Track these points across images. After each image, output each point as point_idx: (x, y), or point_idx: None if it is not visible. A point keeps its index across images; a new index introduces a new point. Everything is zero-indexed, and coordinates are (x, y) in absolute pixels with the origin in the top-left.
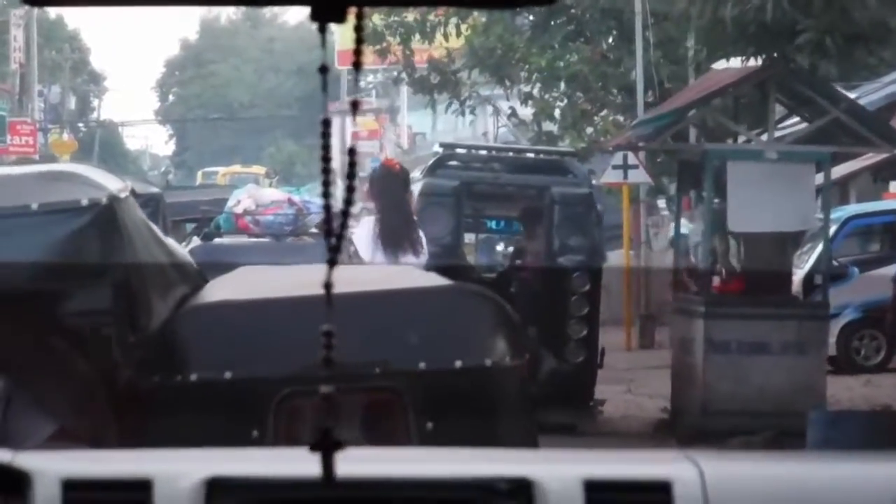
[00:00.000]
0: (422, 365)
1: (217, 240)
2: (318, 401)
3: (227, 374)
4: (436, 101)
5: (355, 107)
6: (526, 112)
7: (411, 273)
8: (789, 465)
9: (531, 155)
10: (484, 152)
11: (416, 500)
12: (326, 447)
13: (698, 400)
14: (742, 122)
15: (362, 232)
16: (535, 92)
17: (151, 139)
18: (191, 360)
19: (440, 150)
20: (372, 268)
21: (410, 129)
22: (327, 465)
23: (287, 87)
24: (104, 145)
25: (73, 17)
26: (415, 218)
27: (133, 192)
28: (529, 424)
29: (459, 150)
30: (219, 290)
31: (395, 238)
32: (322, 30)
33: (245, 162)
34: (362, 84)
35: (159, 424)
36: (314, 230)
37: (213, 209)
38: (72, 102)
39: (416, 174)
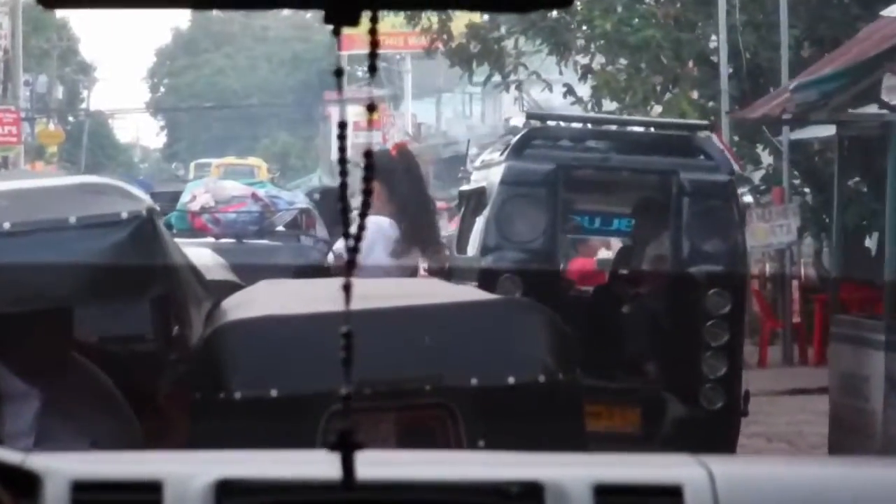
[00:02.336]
0: (474, 381)
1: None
2: (367, 415)
3: (273, 392)
4: (473, 75)
5: (372, 109)
6: (582, 90)
7: (459, 286)
8: (800, 469)
9: (648, 129)
10: (585, 125)
11: (425, 503)
12: (346, 448)
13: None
14: None
15: (370, 235)
16: (595, 64)
17: (142, 131)
18: (234, 376)
19: (521, 124)
20: (419, 281)
21: (415, 118)
22: (347, 466)
23: (281, 77)
24: (93, 137)
25: None
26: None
27: None
28: (583, 441)
29: (552, 123)
30: (252, 304)
31: (420, 240)
32: (336, 32)
33: (239, 154)
34: (361, 73)
35: (201, 443)
36: (282, 229)
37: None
38: (60, 92)
39: (492, 156)
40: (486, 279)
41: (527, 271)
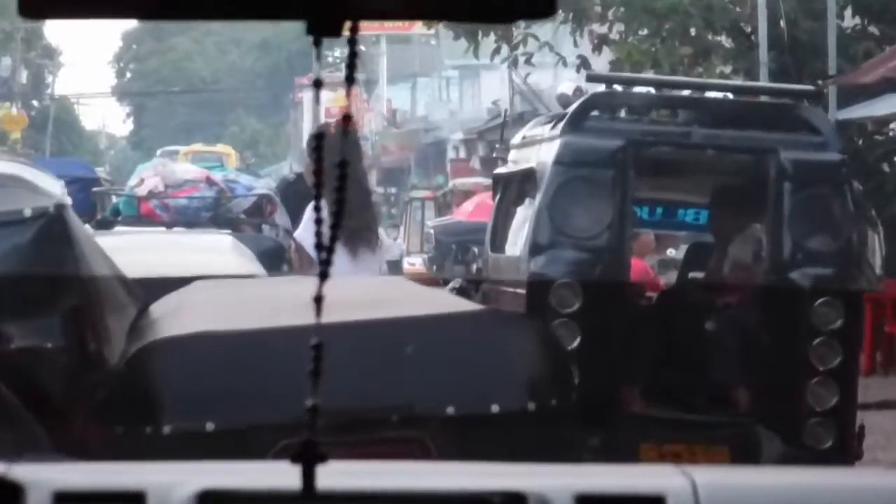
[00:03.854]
0: (450, 409)
1: (117, 229)
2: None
3: (209, 425)
4: (478, 46)
5: (347, 120)
6: (597, 63)
7: (436, 294)
8: (784, 477)
9: (738, 95)
10: (658, 91)
11: None
12: (307, 460)
13: None
14: None
15: (306, 224)
16: (614, 34)
17: (108, 118)
18: (164, 406)
19: (571, 91)
20: (383, 284)
21: (390, 104)
22: (308, 478)
23: (250, 62)
24: (58, 123)
25: None
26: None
27: None
28: None
29: (620, 88)
30: (185, 315)
31: (354, 229)
32: (317, 43)
33: (206, 141)
34: (331, 58)
35: None
36: (242, 217)
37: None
38: (24, 77)
39: (540, 130)
40: (536, 286)
41: (589, 276)
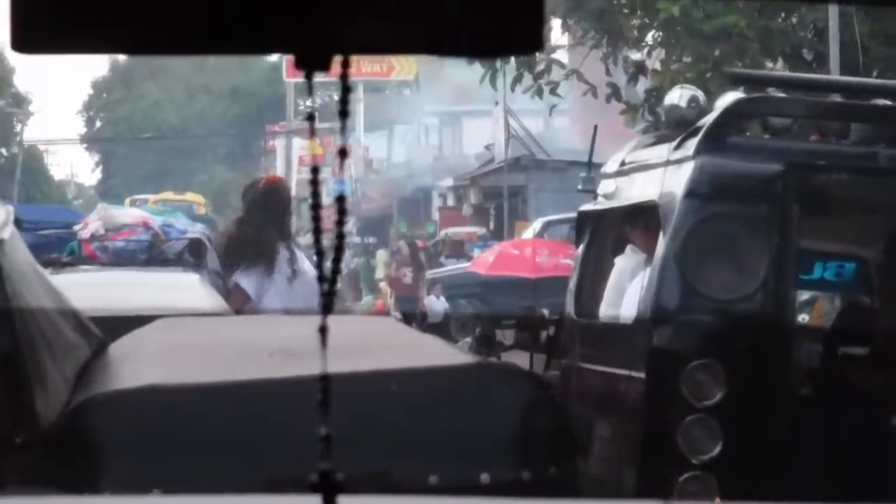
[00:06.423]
0: (432, 479)
1: (68, 269)
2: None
3: (157, 493)
4: (496, 73)
5: (343, 154)
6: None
7: (421, 342)
8: None
9: None
10: (823, 96)
11: None
12: (327, 489)
13: None
14: None
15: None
16: (654, 60)
17: (77, 167)
18: (106, 471)
19: (686, 101)
20: (362, 326)
21: (367, 152)
22: None
23: (220, 110)
24: (27, 171)
25: None
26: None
27: (17, 223)
28: None
29: (774, 94)
30: (140, 360)
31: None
32: (308, 77)
33: (176, 189)
34: (303, 106)
35: None
36: (189, 257)
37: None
38: None
39: (655, 151)
40: (660, 368)
41: (736, 354)
